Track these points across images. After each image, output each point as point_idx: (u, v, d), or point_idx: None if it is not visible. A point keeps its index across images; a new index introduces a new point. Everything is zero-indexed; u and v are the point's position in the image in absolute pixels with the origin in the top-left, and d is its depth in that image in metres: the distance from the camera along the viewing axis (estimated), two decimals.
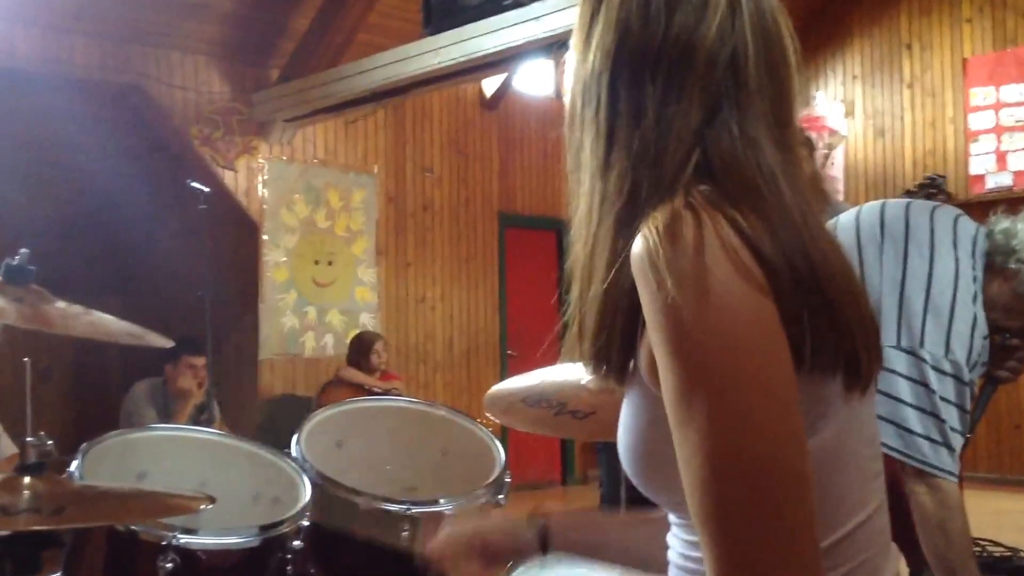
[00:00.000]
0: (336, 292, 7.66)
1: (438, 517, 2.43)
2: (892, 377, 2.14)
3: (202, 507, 1.87)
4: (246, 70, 7.16)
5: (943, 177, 4.12)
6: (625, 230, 1.04)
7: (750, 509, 0.94)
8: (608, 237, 1.06)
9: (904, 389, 2.13)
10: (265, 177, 7.29)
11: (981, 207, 3.96)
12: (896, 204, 2.37)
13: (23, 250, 2.05)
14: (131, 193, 6.96)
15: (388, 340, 7.32)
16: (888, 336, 2.17)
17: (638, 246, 1.00)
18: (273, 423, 6.82)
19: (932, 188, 4.09)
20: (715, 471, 0.95)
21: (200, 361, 5.59)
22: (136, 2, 6.37)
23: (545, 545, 1.41)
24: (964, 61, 8.45)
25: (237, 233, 7.22)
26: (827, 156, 8.66)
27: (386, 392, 6.57)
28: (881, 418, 2.13)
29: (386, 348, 7.10)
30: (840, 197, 4.27)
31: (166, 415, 5.59)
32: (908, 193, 4.27)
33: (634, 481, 1.15)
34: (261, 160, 7.27)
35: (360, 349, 6.96)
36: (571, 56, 1.16)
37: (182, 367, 5.60)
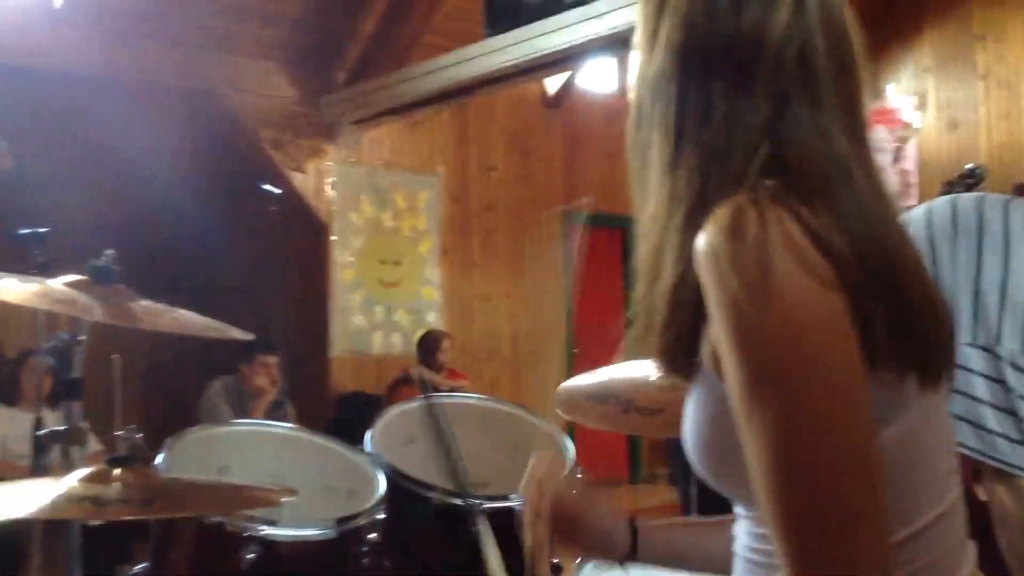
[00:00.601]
0: (403, 291, 7.75)
1: (508, 512, 2.46)
2: (968, 375, 2.10)
3: (284, 499, 1.92)
4: (313, 74, 7.26)
5: (982, 166, 4.04)
6: (694, 227, 1.04)
7: (818, 505, 0.96)
8: (677, 234, 1.07)
9: (980, 387, 2.09)
10: (333, 179, 7.39)
11: None
12: (969, 198, 2.33)
13: (109, 251, 2.13)
14: (202, 196, 7.09)
15: (454, 338, 7.39)
16: (963, 333, 2.13)
17: (701, 242, 1.00)
18: (344, 419, 6.92)
19: (971, 179, 3.99)
20: (783, 467, 0.96)
21: (273, 359, 5.71)
22: (206, 9, 6.51)
23: (634, 552, 1.41)
24: None
25: (306, 234, 7.33)
26: (900, 149, 8.54)
27: (452, 390, 6.65)
28: (958, 417, 2.10)
29: (452, 346, 7.16)
30: (913, 190, 4.23)
31: (241, 412, 5.71)
32: (947, 184, 4.18)
33: (701, 474, 1.15)
34: (329, 162, 7.37)
35: (427, 348, 7.04)
36: (635, 55, 1.17)
37: (256, 365, 5.74)
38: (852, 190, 1.04)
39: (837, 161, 1.06)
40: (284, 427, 2.77)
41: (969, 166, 4.08)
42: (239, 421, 2.77)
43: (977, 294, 2.15)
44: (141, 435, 1.86)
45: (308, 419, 6.26)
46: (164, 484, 1.87)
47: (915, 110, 8.96)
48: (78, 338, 2.15)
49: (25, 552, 2.29)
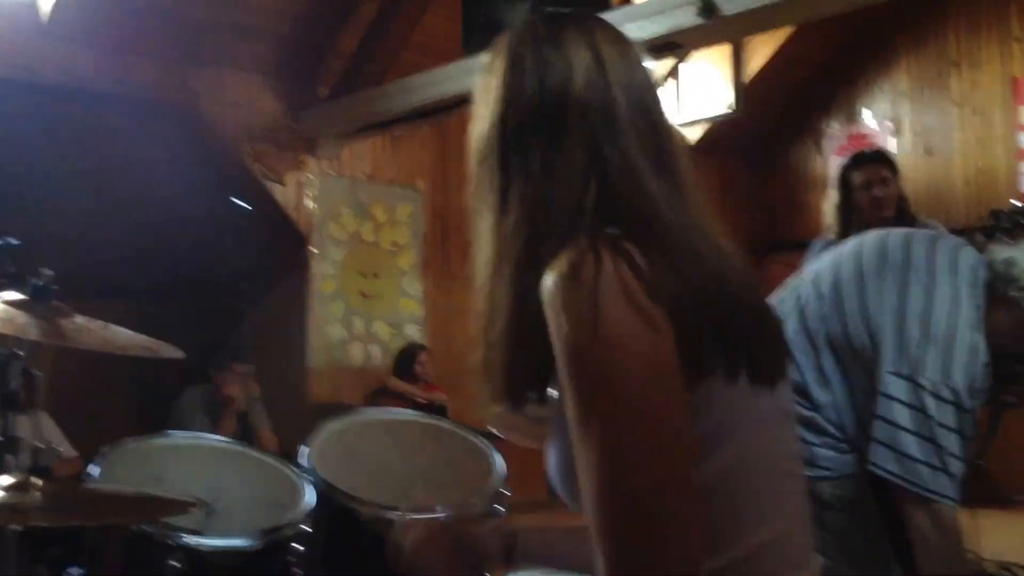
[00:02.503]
0: (382, 304, 7.83)
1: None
2: (891, 403, 2.17)
3: (194, 510, 2.02)
4: (296, 88, 7.36)
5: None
6: (525, 272, 1.16)
7: (633, 528, 1.06)
8: (509, 281, 1.19)
9: (903, 415, 2.15)
10: (314, 191, 7.49)
11: None
12: (898, 234, 2.41)
13: (47, 271, 2.22)
14: (182, 208, 7.17)
15: (433, 351, 7.46)
16: (888, 363, 2.20)
17: (546, 284, 1.12)
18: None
19: (1021, 215, 4.09)
20: (603, 492, 1.07)
21: (246, 369, 5.76)
22: (192, 24, 6.61)
23: (510, 555, 1.48)
24: (1013, 79, 8.35)
25: (286, 245, 7.42)
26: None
27: (429, 403, 6.73)
28: (879, 443, 2.18)
29: (430, 359, 7.23)
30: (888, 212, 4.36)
31: (217, 421, 5.75)
32: (995, 213, 4.32)
33: (563, 497, 1.26)
34: (310, 175, 7.47)
35: (405, 360, 7.11)
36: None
37: (229, 374, 5.77)
38: (665, 223, 1.16)
39: (648, 196, 1.17)
40: (219, 440, 2.86)
41: (1018, 204, 4.18)
42: (176, 432, 2.84)
43: (902, 325, 2.22)
44: (61, 448, 1.94)
45: (284, 430, 6.34)
46: (82, 493, 1.96)
47: (891, 135, 9.05)
48: (16, 353, 2.25)
49: None
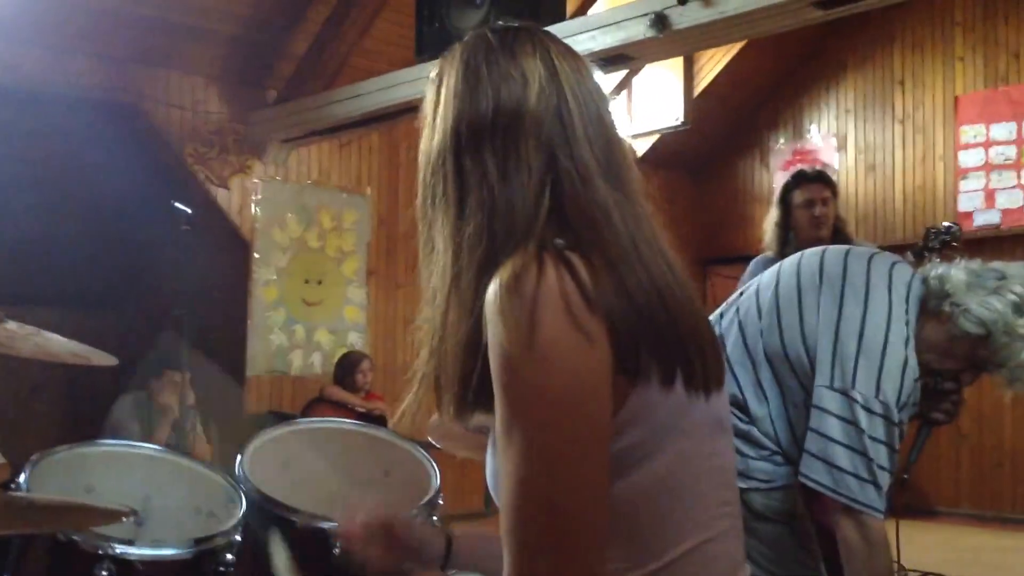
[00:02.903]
0: (325, 311, 7.77)
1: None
2: (824, 415, 2.22)
3: (124, 519, 1.98)
4: (244, 91, 7.31)
5: (958, 227, 4.26)
6: (485, 281, 1.16)
7: (540, 537, 1.08)
8: (469, 290, 1.18)
9: (835, 427, 2.20)
10: (258, 196, 7.42)
11: (968, 245, 4.05)
12: (836, 250, 2.46)
13: None
14: (129, 210, 7.09)
15: (376, 361, 7.42)
16: (822, 377, 2.24)
17: (489, 291, 1.12)
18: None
19: (947, 235, 4.22)
20: (517, 498, 1.09)
21: (182, 376, 5.68)
22: (139, 24, 6.53)
23: (448, 555, 1.51)
24: (956, 99, 8.53)
25: (229, 251, 7.35)
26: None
27: (368, 412, 6.67)
28: (810, 454, 2.22)
29: (372, 368, 7.18)
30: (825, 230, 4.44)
31: (151, 429, 5.69)
32: (929, 229, 4.46)
33: (498, 504, 1.26)
34: (255, 179, 7.40)
35: (346, 368, 7.04)
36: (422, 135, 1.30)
37: (164, 382, 5.71)
38: (614, 232, 1.17)
39: (599, 205, 1.18)
40: (151, 448, 2.81)
41: (947, 224, 4.31)
42: (106, 441, 2.80)
43: (836, 340, 2.25)
44: None
45: (222, 439, 6.27)
46: (9, 501, 1.92)
47: (835, 151, 9.19)
48: None
49: None
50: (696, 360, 1.20)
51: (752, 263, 4.55)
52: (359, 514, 1.53)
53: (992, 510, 8.19)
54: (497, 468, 1.18)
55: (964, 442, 7.96)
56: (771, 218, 4.58)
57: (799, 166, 6.93)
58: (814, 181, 4.48)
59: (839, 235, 4.38)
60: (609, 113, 1.27)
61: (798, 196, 4.43)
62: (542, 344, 1.07)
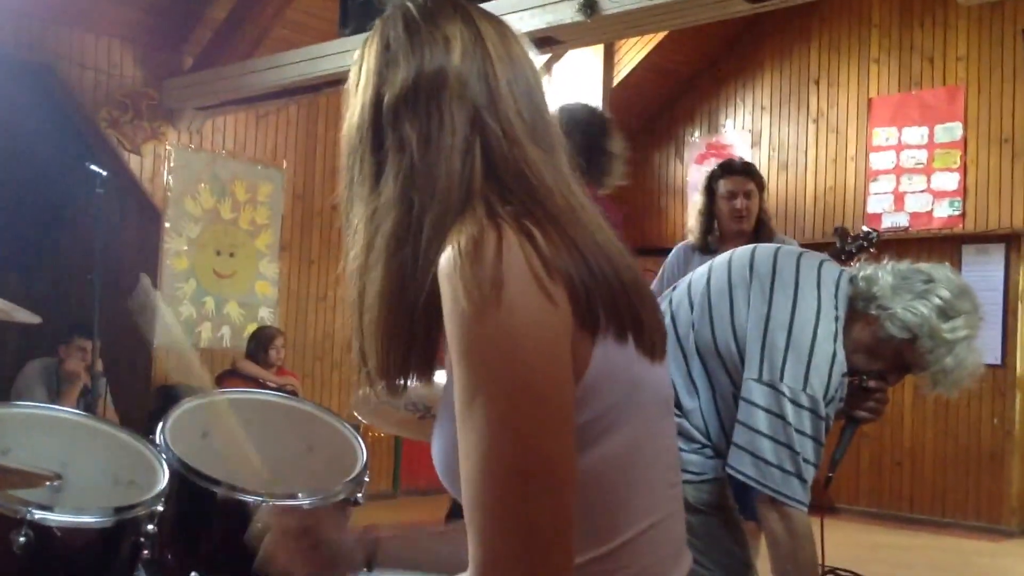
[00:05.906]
0: (236, 284, 7.63)
1: (295, 511, 2.47)
2: (751, 408, 2.24)
3: (47, 483, 1.91)
4: (160, 56, 7.12)
5: (877, 233, 4.31)
6: (401, 248, 1.14)
7: (508, 510, 1.04)
8: (383, 258, 1.16)
9: (762, 420, 2.22)
10: (171, 164, 7.25)
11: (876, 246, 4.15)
12: (766, 248, 2.49)
13: None
14: (39, 172, 6.88)
15: (287, 336, 7.33)
16: (751, 370, 2.27)
17: (444, 259, 1.09)
18: (163, 411, 6.75)
19: (865, 241, 4.27)
20: (483, 470, 1.05)
21: (89, 344, 5.56)
22: None
23: (371, 561, 1.46)
24: (869, 100, 8.66)
25: (139, 219, 7.17)
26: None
27: (280, 388, 6.58)
28: (738, 447, 2.24)
29: (284, 344, 7.10)
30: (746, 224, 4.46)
31: (58, 395, 5.64)
32: (841, 231, 4.50)
33: (447, 486, 1.24)
34: (168, 147, 7.23)
35: (260, 343, 6.95)
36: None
37: (72, 349, 5.66)
38: (550, 192, 1.17)
39: (530, 165, 1.17)
40: (71, 412, 2.73)
41: (866, 229, 4.36)
42: (23, 403, 2.70)
43: (766, 334, 2.28)
44: None
45: (128, 408, 6.12)
46: None
47: (750, 147, 9.32)
48: None
49: None
50: (644, 317, 1.20)
51: (674, 250, 4.58)
52: (284, 504, 1.49)
53: (890, 508, 8.38)
54: (449, 447, 1.16)
55: (864, 440, 8.12)
56: (695, 205, 4.61)
57: (723, 158, 7.01)
58: (738, 173, 4.49)
59: (763, 229, 4.40)
60: (537, 77, 1.25)
61: (722, 186, 4.45)
62: (508, 309, 1.05)
